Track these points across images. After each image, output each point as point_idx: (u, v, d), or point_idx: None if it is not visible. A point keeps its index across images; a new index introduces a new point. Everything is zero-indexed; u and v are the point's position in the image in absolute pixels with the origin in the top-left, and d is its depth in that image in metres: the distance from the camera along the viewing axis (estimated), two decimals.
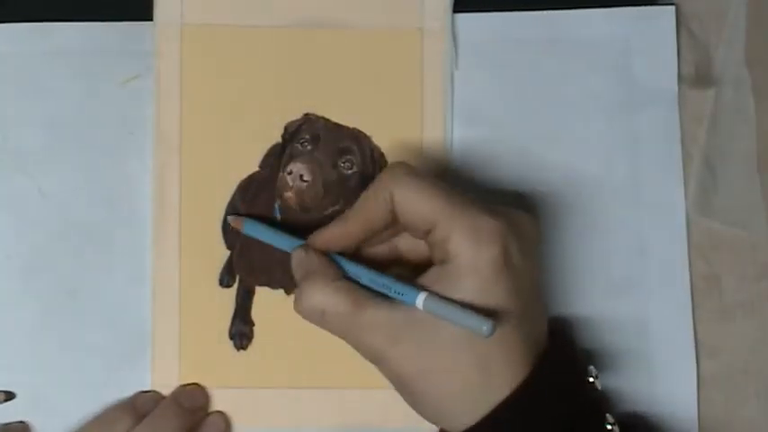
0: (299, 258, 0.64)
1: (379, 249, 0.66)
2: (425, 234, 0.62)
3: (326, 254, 0.64)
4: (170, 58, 0.70)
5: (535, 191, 0.70)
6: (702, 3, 0.72)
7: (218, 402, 0.69)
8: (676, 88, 0.71)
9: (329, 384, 0.68)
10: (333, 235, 0.64)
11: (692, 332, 0.70)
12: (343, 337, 0.62)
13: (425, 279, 0.61)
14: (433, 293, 0.59)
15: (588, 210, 0.71)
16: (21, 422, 0.67)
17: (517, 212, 0.63)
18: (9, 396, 0.68)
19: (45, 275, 0.69)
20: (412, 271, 0.64)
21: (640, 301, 0.70)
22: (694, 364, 0.70)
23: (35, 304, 0.69)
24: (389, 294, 0.61)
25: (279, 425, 0.69)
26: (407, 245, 0.65)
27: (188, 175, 0.69)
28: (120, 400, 0.68)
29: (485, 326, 0.57)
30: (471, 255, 0.59)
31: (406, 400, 0.63)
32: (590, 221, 0.71)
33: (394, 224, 0.63)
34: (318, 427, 0.69)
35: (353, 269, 0.63)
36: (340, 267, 0.63)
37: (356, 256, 0.65)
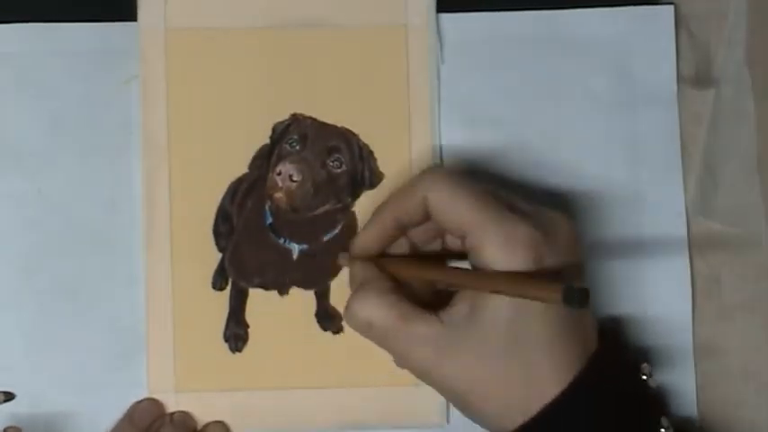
0: (355, 269, 0.65)
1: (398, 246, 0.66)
2: (462, 240, 0.62)
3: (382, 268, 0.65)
4: (155, 62, 0.70)
5: (533, 191, 0.70)
6: (702, 3, 0.72)
7: (216, 406, 0.69)
8: (676, 88, 0.71)
9: (325, 384, 0.68)
10: (369, 236, 0.65)
11: (691, 332, 0.70)
12: (391, 352, 0.63)
13: (464, 294, 0.61)
14: None
15: (587, 210, 0.71)
16: (14, 427, 0.67)
17: (552, 213, 0.63)
18: (9, 396, 0.68)
19: (45, 275, 0.69)
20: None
21: (640, 301, 0.70)
22: (693, 365, 0.70)
23: (35, 304, 0.69)
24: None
25: (276, 426, 0.69)
26: (421, 236, 0.66)
27: (177, 179, 0.69)
28: (120, 419, 0.68)
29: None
30: (504, 265, 0.60)
31: (456, 407, 0.63)
32: (589, 221, 0.70)
33: (426, 221, 0.64)
34: (316, 427, 0.69)
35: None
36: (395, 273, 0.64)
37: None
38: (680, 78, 0.72)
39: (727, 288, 0.71)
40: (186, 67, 0.70)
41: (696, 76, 0.72)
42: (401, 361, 0.63)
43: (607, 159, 0.71)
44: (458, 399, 0.62)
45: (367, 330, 0.62)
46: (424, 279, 0.64)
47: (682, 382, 0.70)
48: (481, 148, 0.71)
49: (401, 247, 0.66)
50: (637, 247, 0.71)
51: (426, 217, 0.63)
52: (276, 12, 0.70)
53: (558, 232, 0.62)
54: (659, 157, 0.71)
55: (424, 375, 0.62)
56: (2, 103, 0.70)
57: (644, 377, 0.64)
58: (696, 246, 0.71)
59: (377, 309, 0.62)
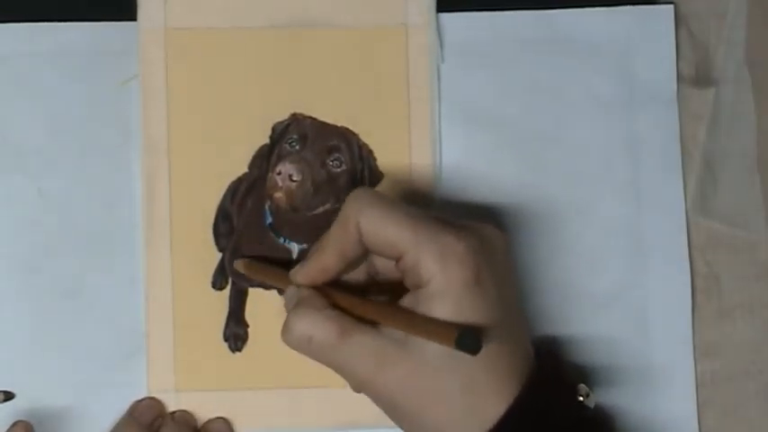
0: (290, 291, 0.64)
1: (357, 272, 0.65)
2: (396, 261, 0.61)
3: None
4: (155, 62, 0.70)
5: (533, 191, 0.70)
6: (702, 3, 0.72)
7: (216, 405, 0.69)
8: (676, 88, 0.71)
9: (326, 384, 0.67)
10: (311, 269, 0.63)
11: (691, 332, 0.70)
12: (331, 365, 0.62)
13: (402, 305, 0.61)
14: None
15: (588, 210, 0.71)
16: (24, 421, 0.67)
17: (484, 227, 0.62)
18: (8, 396, 0.68)
19: (44, 275, 0.69)
20: (390, 293, 0.63)
21: (640, 302, 0.70)
22: (693, 365, 0.70)
23: (34, 304, 0.69)
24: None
25: (276, 426, 0.69)
26: (383, 263, 0.64)
27: (177, 179, 0.69)
28: (122, 416, 0.68)
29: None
30: (443, 277, 0.59)
31: (396, 423, 0.62)
32: (589, 221, 0.71)
33: (368, 251, 0.63)
34: (316, 426, 0.69)
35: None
36: (328, 297, 0.63)
37: (336, 282, 0.64)
38: (680, 78, 0.72)
39: (727, 288, 0.71)
40: (186, 67, 0.70)
41: (696, 75, 0.72)
42: (341, 374, 0.62)
43: (607, 159, 0.71)
44: (397, 412, 0.61)
45: (307, 345, 0.61)
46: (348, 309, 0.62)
47: (681, 382, 0.70)
48: (481, 147, 0.71)
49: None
50: (637, 247, 0.70)
51: (365, 251, 0.62)
52: (276, 12, 0.70)
53: (493, 245, 0.61)
54: (659, 157, 0.71)
55: (363, 388, 0.61)
56: (2, 103, 0.70)
57: (581, 398, 0.63)
58: (696, 245, 0.71)
59: (316, 323, 0.61)
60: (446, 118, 0.70)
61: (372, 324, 0.61)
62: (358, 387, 0.62)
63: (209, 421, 0.69)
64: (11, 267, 0.69)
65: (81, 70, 0.70)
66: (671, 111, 0.71)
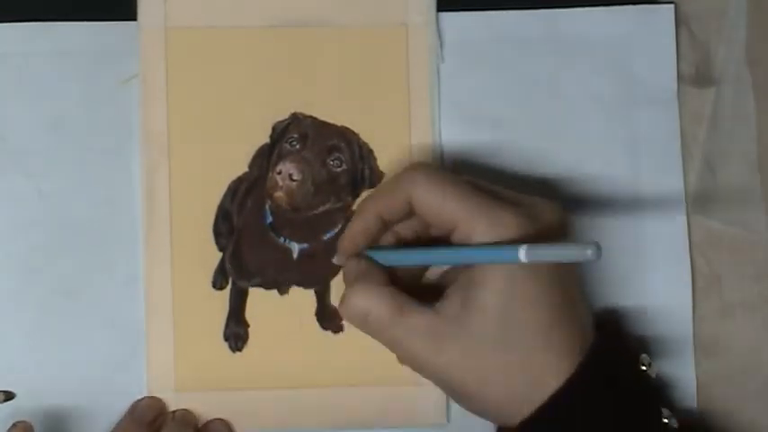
0: (351, 265, 0.65)
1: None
2: (450, 233, 0.62)
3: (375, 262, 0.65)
4: (155, 62, 0.70)
5: (533, 190, 0.70)
6: (702, 2, 0.72)
7: (216, 405, 0.69)
8: (676, 87, 0.71)
9: (326, 383, 0.68)
10: (354, 233, 0.65)
11: (691, 332, 0.70)
12: (387, 343, 0.63)
13: (456, 285, 0.62)
14: (531, 244, 0.58)
15: (588, 209, 0.71)
16: (24, 421, 0.67)
17: (541, 201, 0.63)
18: (9, 396, 0.68)
19: (44, 275, 0.69)
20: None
21: (640, 301, 0.70)
22: (694, 364, 0.70)
23: (34, 304, 0.69)
24: (486, 261, 0.60)
25: (276, 426, 0.69)
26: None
27: (177, 179, 0.69)
28: (122, 416, 0.68)
29: (589, 250, 0.55)
30: None
31: (455, 399, 0.64)
32: (589, 221, 0.70)
33: (409, 218, 0.64)
34: (316, 427, 0.69)
35: (422, 255, 0.64)
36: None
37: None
38: (680, 78, 0.72)
39: (728, 287, 0.71)
40: (186, 67, 0.70)
41: (696, 75, 0.72)
42: (396, 352, 0.63)
43: (607, 159, 0.71)
44: (456, 390, 0.62)
45: (363, 322, 0.62)
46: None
47: (682, 382, 0.70)
48: (481, 147, 0.71)
49: (387, 240, 0.67)
50: (637, 247, 0.70)
51: (409, 214, 0.64)
52: (276, 11, 0.70)
53: (546, 218, 0.62)
54: (659, 157, 0.71)
55: (420, 367, 0.62)
56: (2, 103, 0.70)
57: (643, 367, 0.64)
58: (696, 245, 0.71)
59: (373, 300, 0.62)
60: (445, 117, 0.70)
61: (430, 303, 0.61)
62: (413, 366, 0.63)
63: (209, 422, 0.69)
64: (11, 267, 0.69)
65: (81, 70, 0.70)
66: (671, 111, 0.71)
